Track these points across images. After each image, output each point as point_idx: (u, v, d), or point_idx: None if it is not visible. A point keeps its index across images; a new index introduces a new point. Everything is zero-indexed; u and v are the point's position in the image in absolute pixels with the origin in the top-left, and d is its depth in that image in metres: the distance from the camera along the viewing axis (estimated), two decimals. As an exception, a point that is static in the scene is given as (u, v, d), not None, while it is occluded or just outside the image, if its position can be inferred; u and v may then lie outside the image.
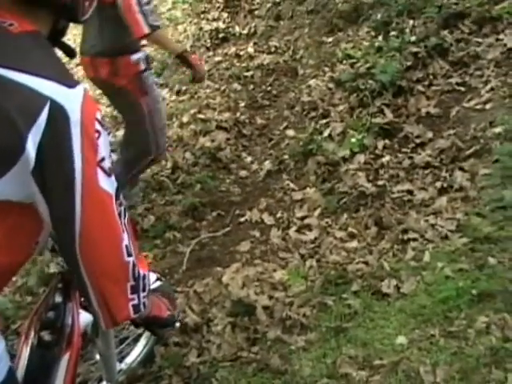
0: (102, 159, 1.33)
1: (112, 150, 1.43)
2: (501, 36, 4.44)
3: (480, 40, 4.49)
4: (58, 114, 1.26)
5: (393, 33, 4.83)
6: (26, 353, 1.92)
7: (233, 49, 6.26)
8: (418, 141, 3.93)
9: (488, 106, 3.94)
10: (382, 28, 5.01)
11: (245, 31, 6.51)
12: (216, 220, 4.13)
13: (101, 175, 1.33)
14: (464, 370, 2.44)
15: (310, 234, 3.57)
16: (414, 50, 4.52)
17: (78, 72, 5.84)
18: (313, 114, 4.65)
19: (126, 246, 1.43)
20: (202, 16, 6.80)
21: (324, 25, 5.71)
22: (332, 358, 2.71)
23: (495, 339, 2.51)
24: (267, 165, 4.42)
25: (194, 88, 5.81)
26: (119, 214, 1.39)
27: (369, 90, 4.32)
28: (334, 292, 3.07)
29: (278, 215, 3.89)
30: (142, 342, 2.97)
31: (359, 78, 4.49)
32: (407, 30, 4.78)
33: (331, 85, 4.79)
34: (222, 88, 5.75)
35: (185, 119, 5.30)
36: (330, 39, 5.51)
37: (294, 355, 2.80)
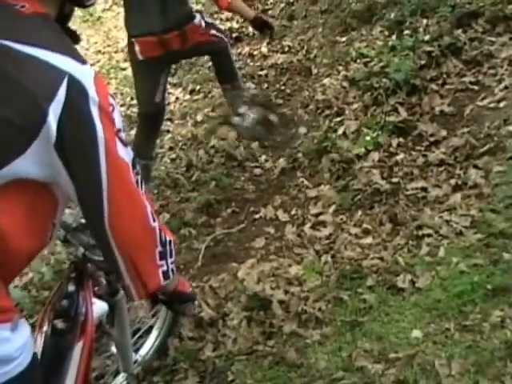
0: (119, 130, 1.38)
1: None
2: (514, 35, 4.45)
3: (493, 39, 4.49)
4: (77, 89, 1.30)
5: (406, 32, 4.83)
6: (40, 341, 1.96)
7: (246, 48, 6.27)
8: (432, 139, 3.94)
9: (502, 105, 3.94)
10: (396, 27, 5.01)
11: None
12: (231, 217, 4.16)
13: (119, 145, 1.37)
14: (479, 364, 2.46)
15: (325, 231, 3.58)
16: (428, 49, 4.52)
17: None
18: (327, 112, 4.66)
19: (151, 211, 1.46)
20: (215, 16, 6.81)
21: (338, 24, 5.71)
22: (347, 352, 2.74)
23: (510, 333, 2.53)
24: (281, 162, 4.44)
25: (208, 87, 5.84)
26: (136, 183, 1.43)
27: (383, 88, 4.32)
28: (349, 287, 3.09)
29: (293, 212, 3.91)
30: (154, 333, 3.01)
31: (373, 76, 4.49)
32: (421, 29, 4.78)
33: (345, 83, 4.80)
34: (236, 87, 5.75)
35: (199, 118, 5.32)
36: (344, 38, 5.51)
37: (310, 349, 2.83)
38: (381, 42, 5.03)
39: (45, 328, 1.96)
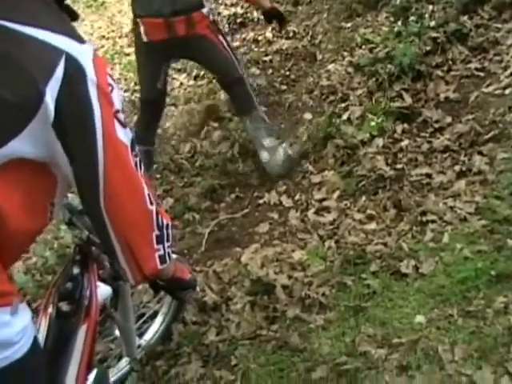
0: (117, 111, 1.37)
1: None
2: (520, 22, 4.42)
3: (499, 26, 4.46)
4: (74, 68, 1.29)
5: (412, 18, 4.79)
6: (45, 323, 1.96)
7: (251, 34, 6.24)
8: (436, 125, 3.92)
9: (507, 91, 3.92)
10: (401, 13, 4.98)
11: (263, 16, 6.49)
12: (234, 202, 4.16)
13: (117, 126, 1.36)
14: (482, 349, 2.47)
15: (329, 216, 3.58)
16: (433, 35, 4.48)
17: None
18: (331, 98, 4.64)
19: (148, 194, 1.46)
20: (219, 1, 6.79)
21: (343, 10, 5.68)
22: (351, 337, 2.74)
23: (513, 319, 2.53)
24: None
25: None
26: (135, 165, 1.42)
27: (388, 74, 4.30)
28: (353, 272, 3.10)
29: (297, 197, 3.91)
30: (159, 318, 3.02)
31: (378, 62, 4.47)
32: (426, 16, 4.74)
33: (350, 69, 4.77)
34: (241, 73, 5.74)
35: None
36: (349, 24, 5.48)
37: (313, 333, 2.84)
38: (386, 27, 5.01)
39: (49, 310, 1.97)
